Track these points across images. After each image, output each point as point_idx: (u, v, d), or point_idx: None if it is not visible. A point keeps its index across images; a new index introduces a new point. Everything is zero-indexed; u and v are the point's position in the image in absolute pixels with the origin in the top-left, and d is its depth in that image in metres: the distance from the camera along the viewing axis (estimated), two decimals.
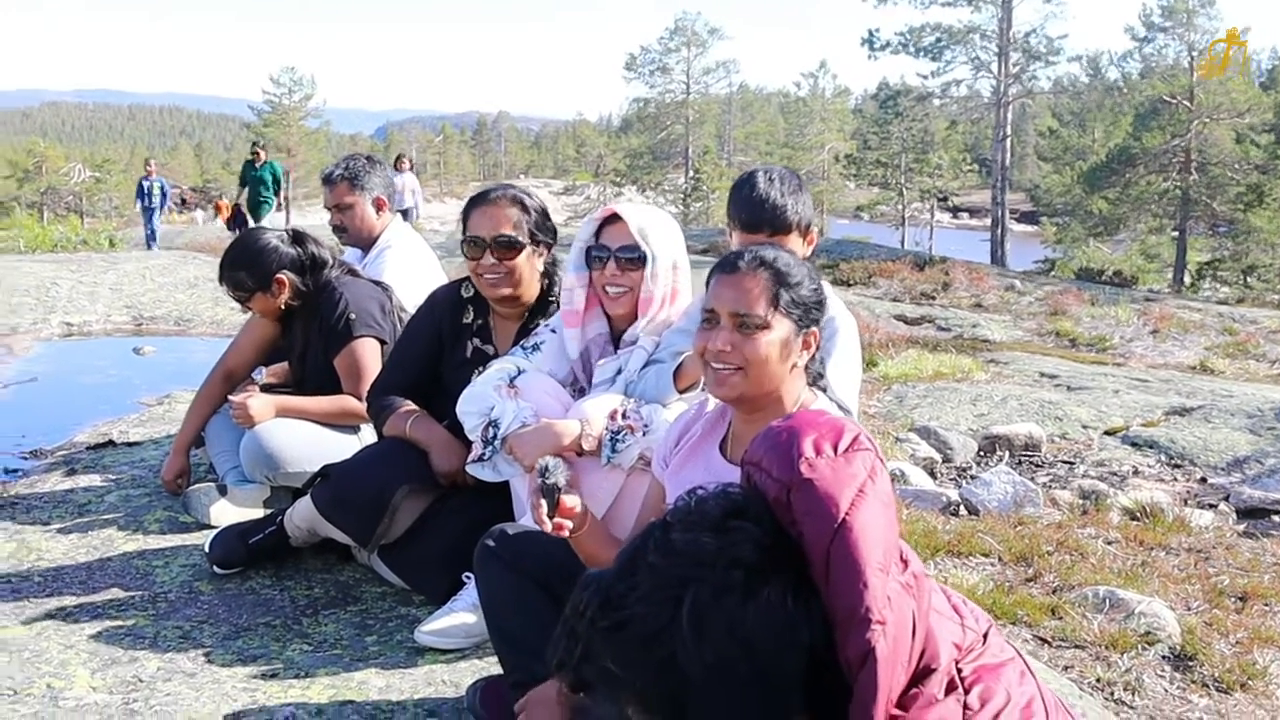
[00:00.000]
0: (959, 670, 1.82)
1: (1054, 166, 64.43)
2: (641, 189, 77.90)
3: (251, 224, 25.03)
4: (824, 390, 3.23)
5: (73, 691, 3.56)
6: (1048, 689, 1.97)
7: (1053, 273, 43.47)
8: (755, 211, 4.03)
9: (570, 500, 3.01)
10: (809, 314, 2.99)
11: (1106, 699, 4.22)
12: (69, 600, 4.29)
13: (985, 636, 1.92)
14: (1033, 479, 7.46)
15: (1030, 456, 8.13)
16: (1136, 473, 7.81)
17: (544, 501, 2.98)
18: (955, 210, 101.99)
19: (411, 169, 28.12)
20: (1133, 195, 46.82)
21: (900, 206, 65.22)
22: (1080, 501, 6.96)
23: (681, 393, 3.75)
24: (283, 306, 5.26)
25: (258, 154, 25.79)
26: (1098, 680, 4.37)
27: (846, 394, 3.78)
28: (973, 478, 7.27)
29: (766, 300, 2.90)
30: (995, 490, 6.74)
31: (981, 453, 8.18)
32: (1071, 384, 10.82)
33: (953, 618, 1.91)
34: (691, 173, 73.22)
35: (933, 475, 7.55)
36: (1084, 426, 8.89)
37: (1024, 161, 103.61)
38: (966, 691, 1.79)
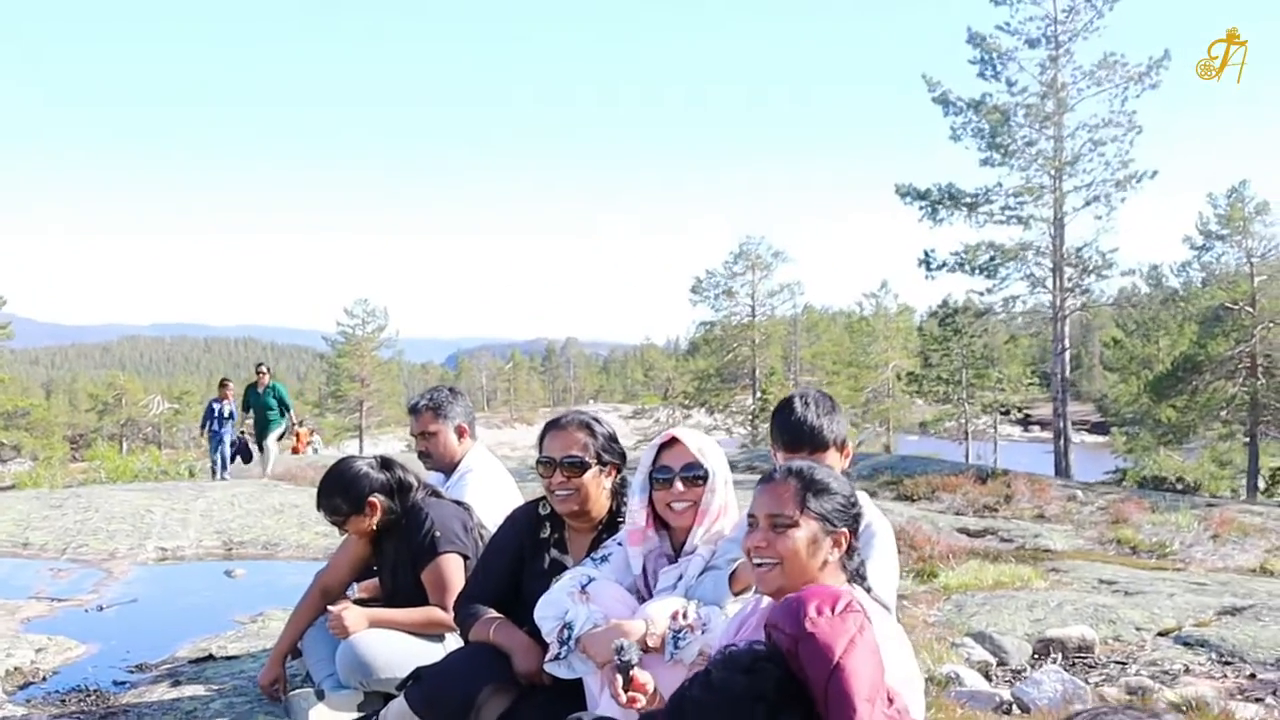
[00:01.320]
0: None
1: (1120, 376, 64.67)
2: (710, 411, 78.42)
3: (256, 450, 24.61)
4: (865, 587, 3.68)
5: None
6: None
7: (1124, 482, 43.38)
8: (795, 433, 4.57)
9: (643, 677, 3.49)
10: (838, 516, 3.48)
11: None
12: None
13: None
14: (1086, 679, 7.70)
15: (1083, 658, 8.34)
16: (1188, 670, 7.98)
17: (619, 677, 3.46)
18: (1026, 423, 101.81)
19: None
20: (1200, 402, 46.78)
21: (963, 421, 65.43)
22: (1127, 697, 7.21)
23: (736, 595, 4.16)
24: (374, 527, 5.73)
25: (260, 376, 24.81)
26: None
27: (885, 592, 4.22)
28: (1025, 678, 7.55)
29: (795, 503, 3.42)
30: (1045, 688, 7.04)
31: (1036, 655, 8.41)
32: (1129, 589, 11.03)
33: None
34: (759, 394, 73.70)
35: (988, 677, 7.81)
36: (1137, 628, 9.09)
37: (1092, 373, 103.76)
38: None
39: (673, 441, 4.44)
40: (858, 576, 3.64)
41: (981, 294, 44.63)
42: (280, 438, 24.97)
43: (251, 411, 24.43)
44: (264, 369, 25.09)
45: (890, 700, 2.26)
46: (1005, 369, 63.91)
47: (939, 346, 63.43)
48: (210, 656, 7.12)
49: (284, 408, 24.41)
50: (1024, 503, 21.20)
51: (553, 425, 4.93)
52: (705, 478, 4.35)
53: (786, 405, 4.73)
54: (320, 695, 5.59)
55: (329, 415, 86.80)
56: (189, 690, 6.30)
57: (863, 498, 4.63)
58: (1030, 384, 69.17)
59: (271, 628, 7.50)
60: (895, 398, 77.07)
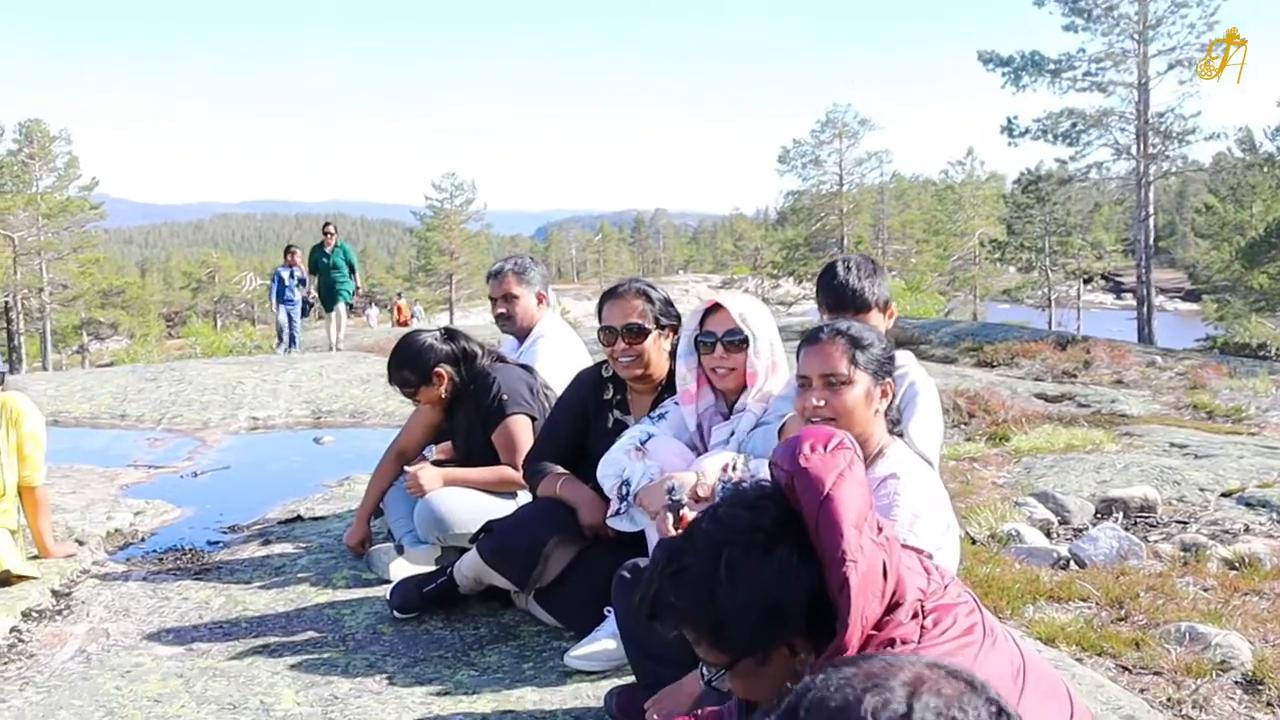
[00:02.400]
0: (922, 606, 2.47)
1: (1212, 243, 63.60)
2: (798, 280, 77.99)
3: (326, 315, 23.65)
4: (900, 436, 3.90)
5: (280, 706, 4.29)
6: (994, 623, 2.60)
7: (1214, 350, 42.93)
8: (838, 296, 4.77)
9: (691, 517, 3.74)
10: (882, 368, 3.70)
11: (1174, 715, 4.70)
12: (273, 640, 5.06)
13: (947, 587, 2.57)
14: (1145, 538, 7.87)
15: (1145, 517, 8.46)
16: (1247, 530, 8.08)
17: (670, 516, 3.72)
18: (1119, 290, 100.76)
19: None
20: None
21: (1047, 289, 64.75)
22: (1182, 554, 7.36)
23: None
24: (443, 395, 6.01)
25: (327, 236, 23.29)
26: (1168, 699, 4.84)
27: (928, 448, 4.43)
28: (1084, 536, 7.71)
29: (847, 360, 3.63)
30: (1101, 545, 7.23)
31: (1098, 515, 8.52)
32: (1199, 452, 11.06)
33: (921, 572, 2.56)
34: None
35: (1049, 535, 7.98)
36: (1201, 489, 9.16)
37: (1185, 239, 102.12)
38: (925, 618, 2.45)
39: (716, 307, 4.61)
40: (893, 424, 3.86)
41: (1064, 161, 44.01)
42: (350, 307, 24.11)
43: (317, 274, 23.27)
44: (331, 229, 23.69)
45: (879, 529, 2.47)
46: (1088, 236, 63.08)
47: (1020, 214, 62.72)
48: (298, 517, 7.47)
49: (351, 269, 23.28)
50: (1103, 369, 21.07)
51: (610, 294, 5.12)
52: (746, 342, 4.53)
53: (829, 270, 4.93)
54: (400, 550, 5.92)
55: (419, 289, 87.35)
56: (278, 548, 6.65)
57: (908, 357, 4.84)
58: (1114, 250, 68.24)
59: (356, 490, 7.82)
60: (981, 265, 76.22)
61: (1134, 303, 46.60)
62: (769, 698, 2.50)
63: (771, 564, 2.39)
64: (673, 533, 3.76)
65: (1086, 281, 66.96)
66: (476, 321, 63.75)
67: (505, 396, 5.75)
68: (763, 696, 2.54)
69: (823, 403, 3.64)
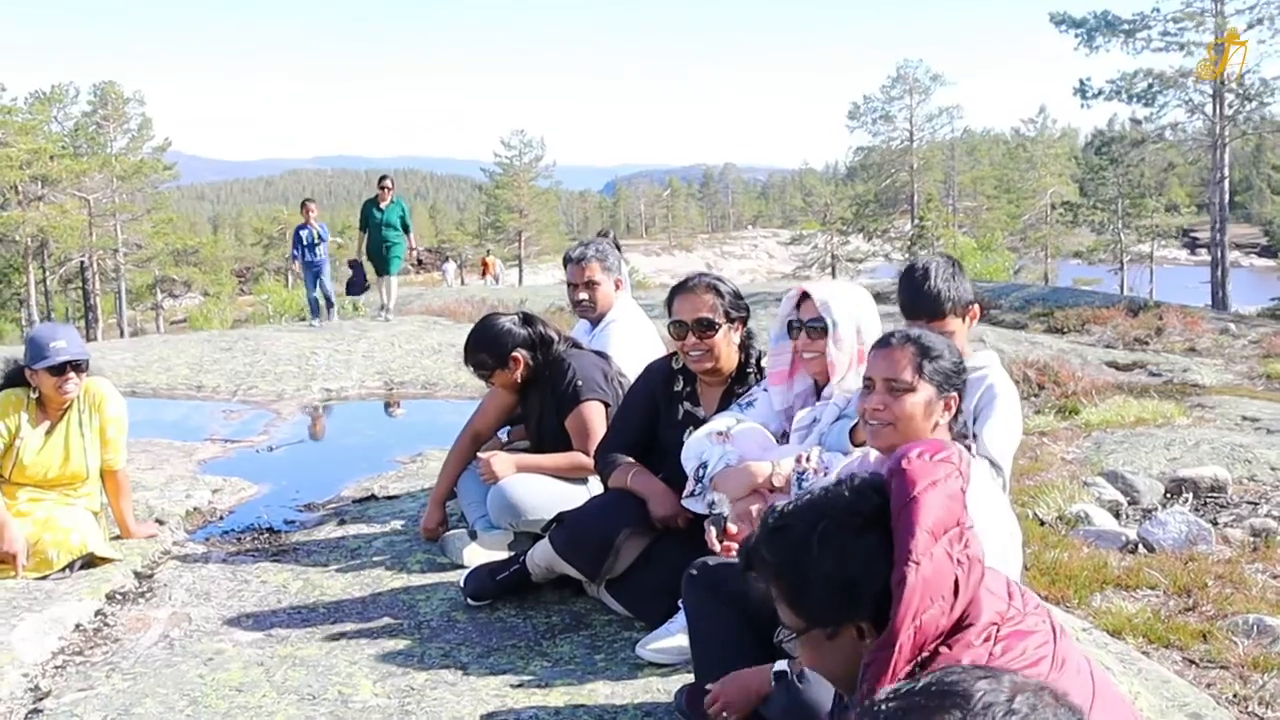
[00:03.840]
0: (996, 630, 2.56)
1: None
2: (868, 236, 77.74)
3: (379, 277, 20.69)
4: (966, 445, 3.92)
5: (359, 696, 4.39)
6: (1067, 653, 2.65)
7: None
8: (914, 300, 4.80)
9: (735, 528, 3.91)
10: (949, 381, 3.72)
11: (1241, 712, 4.73)
12: (350, 627, 5.17)
13: (1026, 615, 2.64)
14: (1216, 520, 7.85)
15: (1216, 498, 8.44)
16: None
17: (713, 528, 3.89)
18: (1194, 246, 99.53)
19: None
20: None
21: (1119, 251, 64.12)
22: (1252, 539, 7.35)
23: (857, 446, 4.43)
24: (518, 379, 6.09)
25: (383, 190, 20.42)
26: (1234, 696, 4.88)
27: (1000, 452, 4.48)
28: (1153, 518, 7.71)
29: (912, 368, 3.66)
30: (1170, 529, 7.24)
31: (1168, 495, 8.54)
32: (1271, 427, 11.01)
33: (1003, 598, 2.64)
34: (916, 219, 72.67)
35: (1118, 516, 8.00)
36: (1272, 468, 9.12)
37: (1261, 195, 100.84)
38: (996, 644, 2.53)
39: (805, 296, 4.66)
40: (960, 437, 3.88)
41: (1139, 122, 43.38)
42: (403, 267, 21.25)
43: (368, 231, 20.39)
44: (388, 182, 20.81)
45: (966, 546, 2.57)
46: (1161, 199, 62.34)
47: (1093, 175, 62.07)
48: (372, 496, 7.57)
49: (405, 229, 20.60)
50: (1175, 336, 20.87)
51: (680, 289, 5.17)
52: (827, 330, 4.57)
53: (907, 272, 4.96)
54: (473, 535, 6.00)
55: (489, 246, 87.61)
56: (353, 529, 6.76)
57: (991, 358, 4.85)
58: (1189, 210, 67.45)
59: (429, 467, 7.92)
60: (1053, 225, 75.56)
61: (1208, 259, 45.91)
62: (832, 673, 2.72)
63: (859, 545, 2.54)
64: (717, 545, 3.93)
65: (1160, 240, 66.15)
66: (546, 280, 63.84)
67: (580, 382, 5.82)
68: (826, 670, 2.72)
69: (883, 407, 3.68)
